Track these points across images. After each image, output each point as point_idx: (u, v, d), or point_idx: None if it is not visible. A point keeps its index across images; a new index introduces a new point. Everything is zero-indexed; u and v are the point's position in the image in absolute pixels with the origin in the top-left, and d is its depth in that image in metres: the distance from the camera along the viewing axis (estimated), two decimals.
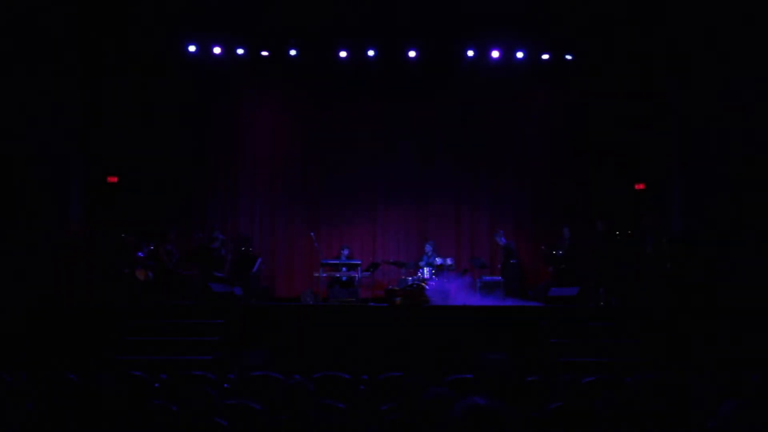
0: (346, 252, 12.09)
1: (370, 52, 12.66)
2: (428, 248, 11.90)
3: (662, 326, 8.95)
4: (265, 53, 12.72)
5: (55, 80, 10.96)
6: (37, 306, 9.19)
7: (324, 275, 11.85)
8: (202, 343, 8.78)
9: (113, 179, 12.36)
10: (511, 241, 12.05)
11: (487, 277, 11.65)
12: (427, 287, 11.11)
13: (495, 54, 12.68)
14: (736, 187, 10.09)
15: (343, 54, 12.70)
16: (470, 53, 12.69)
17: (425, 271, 11.53)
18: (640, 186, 12.44)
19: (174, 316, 9.37)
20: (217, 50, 12.64)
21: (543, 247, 11.76)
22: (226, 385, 5.93)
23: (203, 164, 13.18)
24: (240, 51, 12.66)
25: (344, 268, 11.91)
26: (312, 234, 12.22)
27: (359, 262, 11.93)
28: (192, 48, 12.62)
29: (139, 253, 10.87)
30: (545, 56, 12.76)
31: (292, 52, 12.67)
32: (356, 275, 11.77)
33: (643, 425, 2.76)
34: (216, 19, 12.08)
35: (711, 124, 10.63)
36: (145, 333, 8.98)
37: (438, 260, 11.73)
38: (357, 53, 12.71)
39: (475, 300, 10.50)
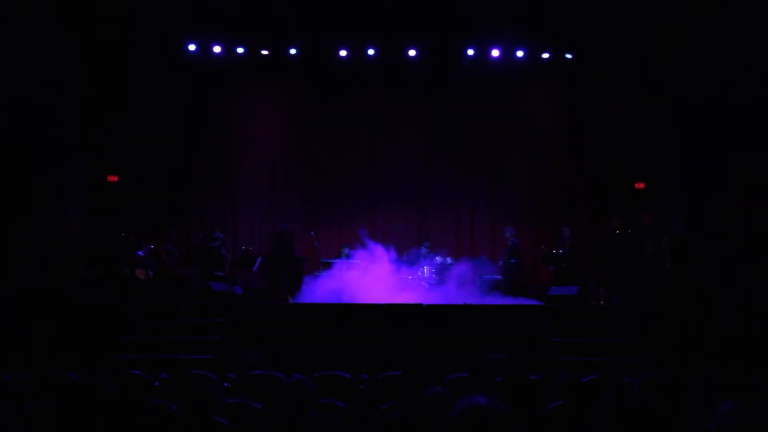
0: (346, 251, 12.08)
1: (370, 52, 12.66)
2: (423, 250, 11.89)
3: (662, 326, 8.95)
4: (265, 53, 12.73)
5: (55, 80, 10.96)
6: (37, 305, 9.18)
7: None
8: (202, 342, 8.78)
9: (113, 179, 12.37)
10: (516, 240, 12.02)
11: (488, 277, 11.63)
12: (426, 286, 11.12)
13: (495, 53, 12.69)
14: (736, 186, 10.08)
15: (343, 53, 12.70)
16: (470, 52, 12.70)
17: (425, 270, 11.52)
18: (640, 186, 12.45)
19: (174, 316, 9.36)
20: (217, 50, 12.65)
21: (543, 247, 11.75)
22: (226, 384, 5.92)
23: (203, 164, 13.18)
24: (240, 51, 12.67)
25: None
26: (312, 233, 12.22)
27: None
28: (192, 47, 12.64)
29: (139, 253, 10.87)
30: (545, 55, 12.77)
31: (292, 52, 12.68)
32: None
33: (643, 425, 2.76)
34: (216, 18, 12.08)
35: (711, 123, 10.63)
36: (145, 333, 8.97)
37: (438, 259, 11.72)
38: (357, 53, 12.72)
39: (475, 299, 10.49)
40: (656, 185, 12.26)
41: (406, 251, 11.71)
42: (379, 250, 11.28)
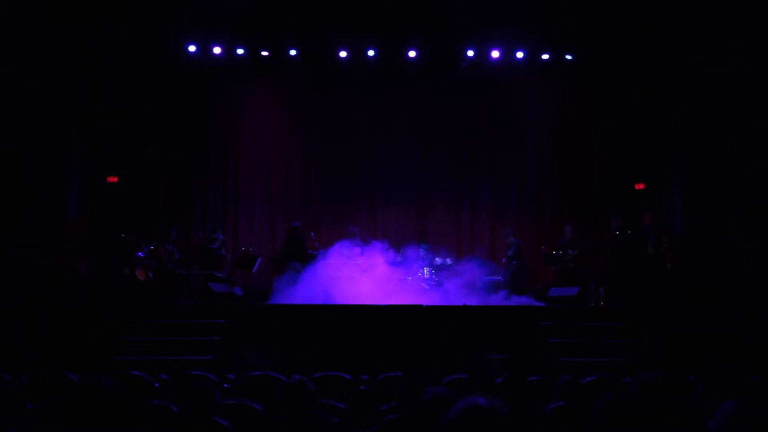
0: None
1: (370, 52, 12.66)
2: (422, 251, 11.85)
3: (662, 326, 8.95)
4: (265, 53, 12.74)
5: (54, 80, 10.96)
6: (37, 306, 9.18)
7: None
8: (202, 343, 8.77)
9: (113, 179, 12.37)
10: (518, 240, 12.02)
11: (488, 277, 11.62)
12: (426, 287, 11.11)
13: (495, 54, 12.68)
14: (736, 186, 10.08)
15: (343, 54, 12.71)
16: (470, 53, 12.69)
17: (425, 271, 11.50)
18: (640, 186, 12.46)
19: (174, 316, 9.36)
20: (217, 50, 12.65)
21: (543, 248, 11.75)
22: (226, 385, 5.93)
23: (203, 164, 13.19)
24: (240, 51, 12.67)
25: None
26: (312, 234, 12.20)
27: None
28: (192, 48, 12.63)
29: (139, 253, 10.86)
30: (545, 56, 12.77)
31: (292, 52, 12.69)
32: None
33: (643, 425, 2.76)
34: (216, 19, 12.09)
35: (711, 123, 10.63)
36: (145, 333, 8.96)
37: (437, 260, 11.70)
38: (357, 53, 12.72)
39: (475, 300, 10.49)
40: (656, 185, 12.26)
41: (402, 251, 11.67)
42: (371, 250, 11.24)
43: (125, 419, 3.67)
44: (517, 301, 10.67)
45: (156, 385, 5.71)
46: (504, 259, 11.95)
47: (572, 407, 3.98)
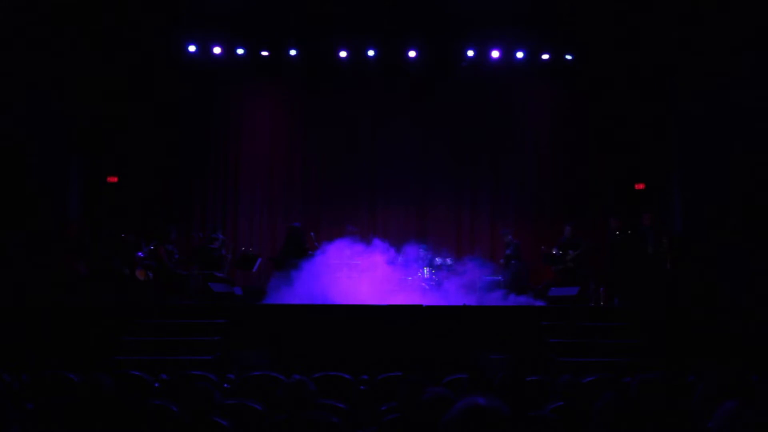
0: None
1: (370, 52, 12.67)
2: (421, 252, 11.84)
3: (662, 326, 8.95)
4: (265, 53, 12.74)
5: (54, 80, 10.96)
6: (37, 306, 9.18)
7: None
8: (202, 343, 8.77)
9: (113, 179, 12.38)
10: (517, 240, 12.02)
11: (488, 277, 11.62)
12: (426, 287, 11.11)
13: (495, 54, 12.68)
14: (736, 186, 10.08)
15: (343, 54, 12.71)
16: (470, 53, 12.69)
17: (425, 270, 11.50)
18: (640, 186, 12.46)
19: (174, 316, 9.36)
20: (217, 50, 12.66)
21: (543, 248, 11.75)
22: (226, 385, 5.93)
23: (203, 164, 13.19)
24: (240, 51, 12.68)
25: None
26: (312, 234, 12.20)
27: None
28: (192, 48, 12.63)
29: (139, 253, 10.86)
30: (545, 56, 12.77)
31: (292, 52, 12.69)
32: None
33: (643, 425, 2.76)
34: (216, 19, 12.09)
35: (711, 122, 10.63)
36: (145, 333, 8.96)
37: (437, 260, 11.70)
38: (357, 53, 12.73)
39: (475, 300, 10.49)
40: (656, 185, 12.26)
41: (402, 251, 11.67)
42: (370, 249, 11.24)
43: (125, 419, 3.67)
44: (516, 301, 10.66)
45: (156, 385, 5.71)
46: (502, 260, 11.95)
47: (572, 407, 3.98)
